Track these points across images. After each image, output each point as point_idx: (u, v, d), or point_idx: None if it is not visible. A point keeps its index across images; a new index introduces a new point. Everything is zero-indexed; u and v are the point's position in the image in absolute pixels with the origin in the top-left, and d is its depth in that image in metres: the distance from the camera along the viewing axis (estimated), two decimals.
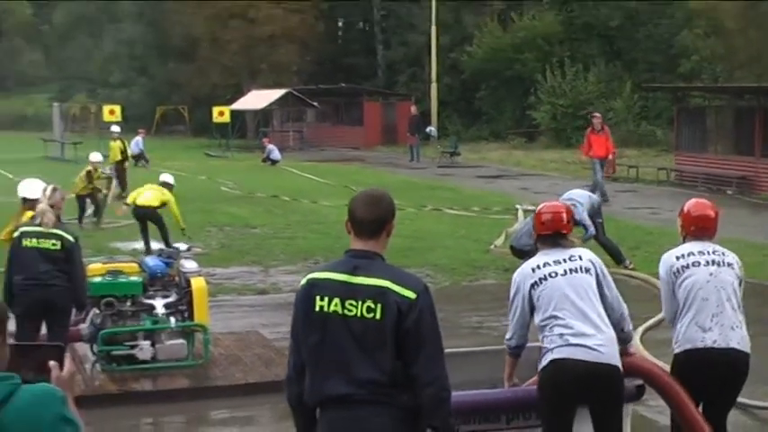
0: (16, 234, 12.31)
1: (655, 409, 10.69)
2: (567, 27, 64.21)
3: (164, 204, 22.99)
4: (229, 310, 17.42)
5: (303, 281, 6.05)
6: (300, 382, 5.97)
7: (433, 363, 5.65)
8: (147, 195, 22.99)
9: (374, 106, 68.15)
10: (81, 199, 27.26)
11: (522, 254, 18.36)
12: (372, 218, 5.87)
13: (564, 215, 8.47)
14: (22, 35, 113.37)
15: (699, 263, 8.68)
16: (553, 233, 8.33)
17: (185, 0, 74.95)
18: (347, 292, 5.74)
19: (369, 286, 5.70)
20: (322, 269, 6.12)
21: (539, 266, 8.10)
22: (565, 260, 8.09)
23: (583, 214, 19.27)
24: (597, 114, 34.19)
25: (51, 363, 4.38)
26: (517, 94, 62.79)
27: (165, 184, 23.74)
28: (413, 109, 57.68)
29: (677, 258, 8.75)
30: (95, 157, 28.76)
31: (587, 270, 8.04)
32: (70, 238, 12.08)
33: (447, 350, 5.93)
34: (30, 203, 12.74)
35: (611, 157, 33.57)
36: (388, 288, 5.66)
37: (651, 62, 60.39)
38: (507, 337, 8.33)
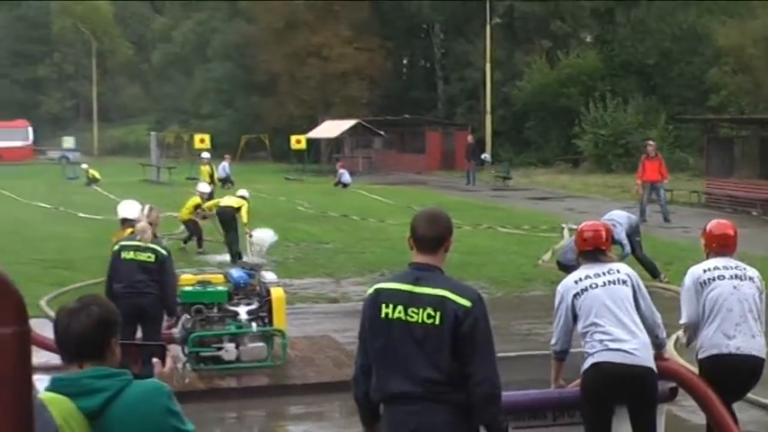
0: (116, 247, 12.54)
1: (687, 408, 10.59)
2: (608, 64, 64.09)
3: (240, 208, 23.47)
4: (304, 316, 17.43)
5: (370, 290, 6.06)
6: (366, 381, 5.99)
7: (485, 364, 5.64)
8: (227, 199, 23.70)
9: (435, 135, 68.16)
10: (187, 224, 26.83)
11: (567, 268, 18.25)
12: (432, 234, 5.86)
13: (603, 233, 8.48)
14: (124, 73, 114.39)
15: (723, 276, 8.71)
16: (593, 249, 8.34)
17: (267, 44, 75.49)
18: (410, 300, 5.73)
19: (429, 295, 5.70)
20: (388, 280, 6.14)
21: (580, 279, 8.11)
22: (604, 273, 8.09)
23: (621, 234, 19.08)
24: (651, 142, 33.68)
25: (155, 359, 4.46)
26: (563, 124, 62.57)
27: (242, 197, 24.41)
28: (469, 138, 57.73)
29: (704, 271, 8.78)
30: (204, 188, 28.16)
31: (624, 282, 8.04)
32: (164, 252, 12.31)
33: (499, 354, 5.92)
34: (128, 223, 12.88)
35: (665, 182, 32.86)
36: (446, 297, 5.66)
37: (684, 96, 60.05)
38: (552, 342, 8.33)
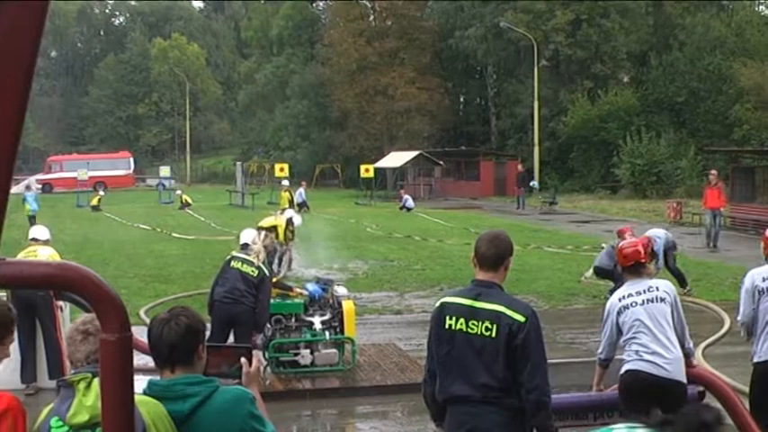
0: (228, 257, 12.75)
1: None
2: (643, 102, 63.95)
3: (274, 228, 22.99)
4: (372, 326, 17.42)
5: (437, 303, 6.12)
6: (434, 383, 6.04)
7: (536, 373, 5.63)
8: (265, 221, 23.19)
9: (488, 164, 68.10)
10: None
11: (603, 272, 18.31)
12: (493, 253, 5.87)
13: (640, 248, 8.49)
14: (213, 110, 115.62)
15: None
16: (634, 263, 8.31)
17: (340, 84, 75.98)
18: (470, 314, 5.75)
19: (487, 310, 5.71)
20: (452, 294, 6.14)
21: (623, 297, 8.12)
22: (645, 291, 8.08)
23: (659, 248, 19.24)
24: (713, 171, 32.64)
25: (243, 360, 4.52)
26: (603, 155, 62.39)
27: (289, 220, 23.94)
28: (519, 167, 57.61)
29: (764, 280, 8.58)
30: (298, 220, 25.10)
31: (663, 300, 8.04)
32: (266, 271, 12.46)
33: (547, 361, 5.90)
34: (246, 247, 13.08)
35: (722, 209, 31.91)
36: (502, 312, 5.67)
37: (710, 130, 59.76)
38: (599, 351, 8.39)
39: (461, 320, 5.78)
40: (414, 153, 64.58)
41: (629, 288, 8.16)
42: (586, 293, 21.12)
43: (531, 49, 62.99)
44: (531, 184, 57.13)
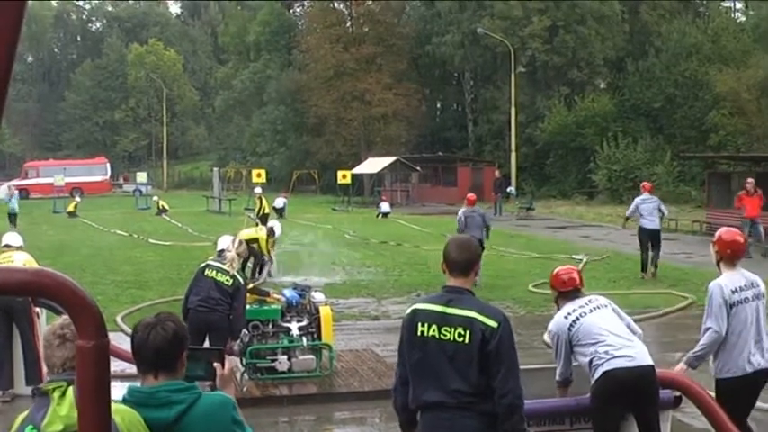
0: (202, 265, 12.71)
1: (690, 414, 10.52)
2: (619, 108, 64.25)
3: (255, 240, 23.15)
4: (349, 332, 17.43)
5: (408, 310, 6.10)
6: (405, 390, 6.01)
7: (509, 378, 5.64)
8: (245, 232, 23.14)
9: (465, 170, 68.21)
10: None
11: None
12: (463, 259, 5.88)
13: (576, 275, 8.56)
14: (190, 116, 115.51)
15: (748, 299, 8.58)
16: (573, 289, 8.40)
17: (317, 90, 76.07)
18: (442, 320, 5.75)
19: (460, 316, 5.71)
20: (423, 301, 6.15)
21: (569, 313, 8.13)
22: (588, 302, 8.19)
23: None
24: (750, 180, 31.22)
25: (216, 363, 4.51)
26: (580, 161, 62.66)
27: (270, 230, 24.12)
28: (496, 173, 57.71)
29: (734, 292, 8.57)
30: (279, 230, 25.29)
31: (605, 306, 8.19)
32: (240, 279, 12.44)
33: (522, 367, 5.91)
34: (221, 253, 13.06)
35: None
36: (475, 318, 5.67)
37: (686, 136, 59.99)
38: (558, 376, 8.36)
39: (433, 327, 5.78)
40: (391, 159, 64.61)
41: (570, 305, 8.20)
42: None
43: (508, 55, 63.17)
44: (509, 189, 57.27)
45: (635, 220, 24.94)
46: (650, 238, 24.15)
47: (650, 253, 24.25)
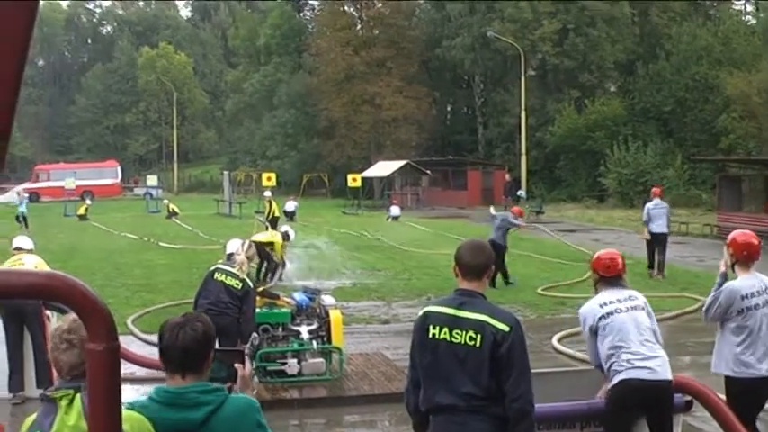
0: (211, 268, 12.70)
1: (700, 419, 10.50)
2: (630, 111, 64.14)
3: (271, 243, 23.36)
4: (359, 335, 17.42)
5: (420, 313, 6.09)
6: (416, 392, 6.02)
7: (520, 382, 5.62)
8: (260, 236, 23.31)
9: (475, 174, 68.24)
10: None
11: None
12: (476, 263, 5.86)
13: (619, 260, 8.32)
14: (200, 119, 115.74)
15: (758, 305, 8.57)
16: (615, 275, 8.21)
17: (327, 93, 76.14)
18: (454, 323, 5.74)
19: (471, 319, 5.70)
20: (434, 304, 6.13)
21: (605, 303, 8.03)
22: (626, 299, 8.03)
23: None
24: None
25: (237, 364, 4.57)
26: (590, 164, 62.58)
27: (285, 234, 24.27)
28: (506, 176, 57.87)
29: (743, 298, 8.56)
30: (292, 235, 25.76)
31: (642, 308, 8.04)
32: (250, 283, 12.49)
33: (532, 370, 5.88)
34: (230, 256, 13.07)
35: None
36: (486, 322, 5.66)
37: (697, 139, 59.96)
38: (591, 362, 8.38)
39: (445, 330, 5.77)
40: (401, 162, 64.61)
41: (608, 295, 8.09)
42: (573, 303, 21.16)
43: (519, 58, 63.12)
44: (519, 193, 57.23)
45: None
46: (658, 242, 24.80)
47: (657, 256, 24.98)
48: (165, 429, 4.12)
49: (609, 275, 8.23)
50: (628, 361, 7.76)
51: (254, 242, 23.02)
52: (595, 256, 8.54)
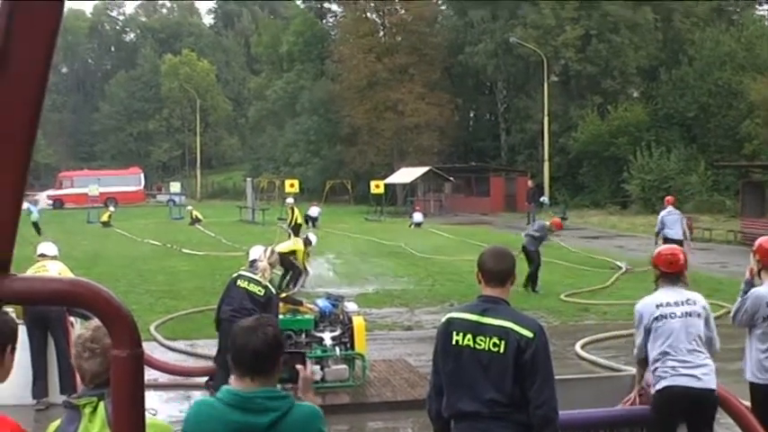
0: (234, 275, 12.72)
1: (724, 425, 10.42)
2: (653, 117, 63.99)
3: (293, 252, 23.37)
4: (382, 342, 17.41)
5: (443, 319, 6.05)
6: (439, 399, 5.98)
7: (544, 389, 5.58)
8: (283, 246, 23.28)
9: (498, 180, 68.18)
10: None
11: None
12: (499, 269, 5.83)
13: (681, 256, 8.19)
14: (223, 126, 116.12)
15: None
16: (676, 272, 8.09)
17: (350, 100, 76.28)
18: (477, 329, 5.71)
19: (495, 326, 5.66)
20: (458, 310, 6.10)
21: (661, 304, 7.95)
22: (683, 302, 7.94)
23: None
24: None
25: (299, 366, 4.64)
26: (613, 170, 62.44)
27: (306, 239, 24.32)
28: (529, 182, 57.65)
29: None
30: (314, 240, 25.87)
31: (699, 315, 7.92)
32: (272, 290, 12.48)
33: (557, 377, 5.86)
34: (253, 263, 13.09)
35: None
36: (510, 328, 5.62)
37: (720, 145, 59.78)
38: (635, 353, 8.30)
39: (468, 336, 5.74)
40: (424, 169, 64.65)
41: (666, 295, 8.00)
42: (596, 310, 21.10)
43: (541, 64, 63.05)
44: (542, 199, 57.12)
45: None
46: None
47: None
48: (230, 431, 4.16)
49: (670, 272, 8.09)
50: (673, 368, 7.73)
51: (281, 254, 23.26)
52: (656, 252, 8.41)
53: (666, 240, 25.15)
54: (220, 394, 4.26)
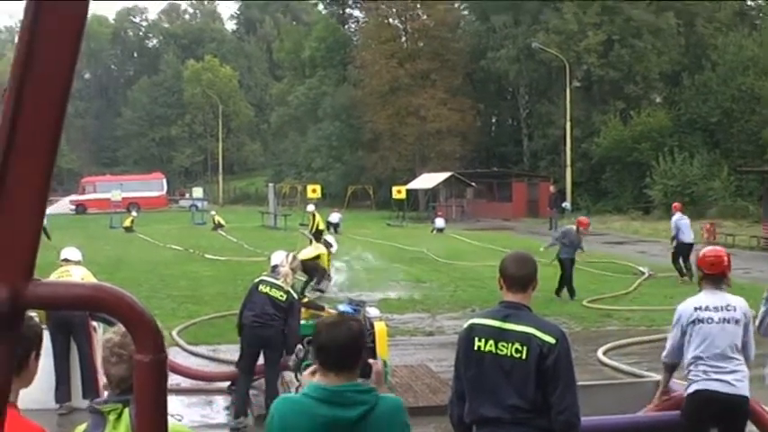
0: (256, 280, 12.74)
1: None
2: (676, 122, 63.76)
3: (318, 257, 23.36)
4: (404, 347, 17.39)
5: (465, 325, 6.04)
6: (461, 405, 5.98)
7: (566, 395, 5.57)
8: (306, 252, 23.27)
9: (520, 186, 68.08)
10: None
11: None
12: (521, 275, 5.82)
13: (725, 258, 8.13)
14: (245, 132, 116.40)
15: None
16: (719, 273, 8.04)
17: (372, 106, 76.34)
18: (499, 335, 5.70)
19: (517, 332, 5.65)
20: (480, 316, 6.09)
21: (700, 308, 7.87)
22: (722, 308, 7.84)
23: None
24: None
25: (371, 360, 4.76)
26: (635, 175, 62.27)
27: (326, 243, 24.27)
28: (552, 188, 57.57)
29: None
30: (335, 245, 25.52)
31: (737, 321, 7.82)
32: (294, 295, 12.56)
33: (579, 383, 5.84)
34: (275, 268, 13.12)
35: None
36: (532, 334, 5.61)
37: (744, 150, 59.56)
38: (663, 355, 8.22)
39: (491, 342, 5.73)
40: (446, 174, 64.61)
41: (706, 299, 7.93)
42: (619, 316, 21.04)
43: (563, 69, 62.94)
44: (564, 205, 56.96)
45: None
46: (688, 251, 26.21)
47: (685, 263, 26.55)
48: (318, 425, 4.25)
49: (713, 273, 8.03)
50: (704, 372, 7.70)
51: (304, 260, 23.32)
52: (701, 253, 8.32)
53: (681, 245, 26.86)
54: (308, 390, 4.35)
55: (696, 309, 7.88)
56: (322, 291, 23.39)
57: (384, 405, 4.33)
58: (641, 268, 29.38)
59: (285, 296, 12.34)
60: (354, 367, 4.38)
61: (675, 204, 29.20)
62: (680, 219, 27.23)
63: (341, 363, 4.30)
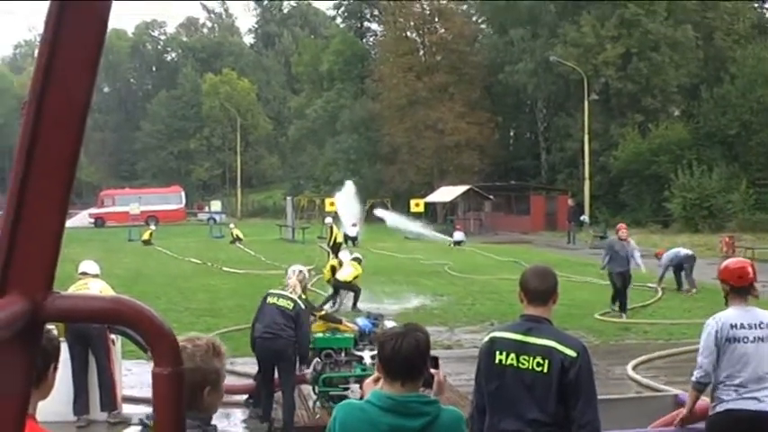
0: (265, 293, 12.88)
1: None
2: (694, 135, 63.61)
3: (356, 276, 23.51)
4: None
5: (486, 338, 6.03)
6: (481, 419, 5.97)
7: (587, 409, 5.55)
8: (343, 273, 23.38)
9: (539, 199, 67.99)
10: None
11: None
12: (542, 288, 5.81)
13: (749, 269, 7.89)
14: (264, 145, 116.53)
15: None
16: (747, 285, 7.78)
17: (390, 119, 76.39)
18: (521, 349, 5.69)
19: (538, 345, 5.64)
20: (501, 329, 6.08)
21: (734, 326, 7.60)
22: (756, 326, 7.61)
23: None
24: None
25: (433, 370, 4.74)
26: (654, 189, 62.08)
27: (355, 259, 24.36)
28: (570, 201, 57.49)
29: None
30: (346, 258, 25.54)
31: None
32: (301, 304, 12.59)
33: (599, 397, 5.81)
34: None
35: None
36: (554, 348, 5.59)
37: (763, 163, 59.46)
38: (697, 374, 7.78)
39: (512, 356, 5.73)
40: (464, 187, 64.63)
41: (740, 316, 7.66)
42: (638, 329, 20.97)
43: (581, 83, 62.88)
44: (582, 218, 56.90)
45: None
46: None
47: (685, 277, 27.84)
48: None
49: (740, 285, 7.76)
50: (736, 391, 7.50)
51: (342, 282, 23.54)
52: (723, 265, 8.03)
53: (687, 257, 28.96)
54: (371, 398, 4.39)
55: (732, 326, 7.61)
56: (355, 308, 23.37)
57: (446, 417, 4.38)
58: (651, 285, 28.81)
59: (292, 305, 12.45)
60: (419, 378, 4.41)
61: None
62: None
63: (406, 373, 4.35)
